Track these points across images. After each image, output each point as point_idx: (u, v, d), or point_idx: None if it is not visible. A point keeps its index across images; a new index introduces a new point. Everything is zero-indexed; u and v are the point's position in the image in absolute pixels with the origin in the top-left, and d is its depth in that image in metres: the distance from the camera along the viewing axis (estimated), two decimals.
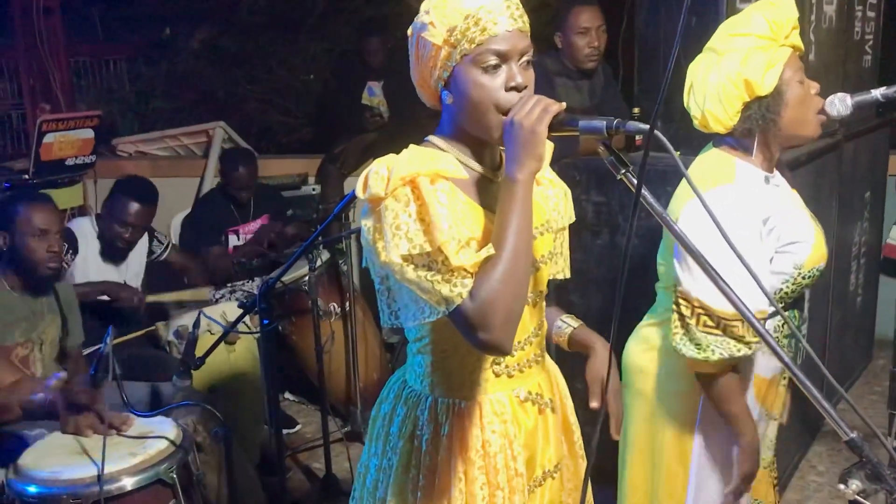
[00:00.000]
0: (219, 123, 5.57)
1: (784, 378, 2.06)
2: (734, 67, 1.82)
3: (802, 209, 1.99)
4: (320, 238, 3.00)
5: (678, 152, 1.21)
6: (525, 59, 1.39)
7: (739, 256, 1.25)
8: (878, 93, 1.89)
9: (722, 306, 1.78)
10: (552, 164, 1.66)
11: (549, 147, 1.49)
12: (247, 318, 2.84)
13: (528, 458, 1.59)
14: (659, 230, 2.05)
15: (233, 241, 4.32)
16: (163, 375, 3.18)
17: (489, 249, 1.32)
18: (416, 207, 1.32)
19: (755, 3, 1.89)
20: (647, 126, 1.21)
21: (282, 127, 6.92)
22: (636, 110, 3.06)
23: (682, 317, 1.85)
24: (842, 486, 1.19)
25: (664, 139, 1.18)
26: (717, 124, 1.88)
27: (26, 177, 4.52)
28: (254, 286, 4.19)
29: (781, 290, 1.93)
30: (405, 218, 1.31)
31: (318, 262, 3.59)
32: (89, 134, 4.80)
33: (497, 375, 1.55)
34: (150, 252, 3.87)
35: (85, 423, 2.30)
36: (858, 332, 4.29)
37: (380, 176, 1.33)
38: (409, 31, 1.45)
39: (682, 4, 2.85)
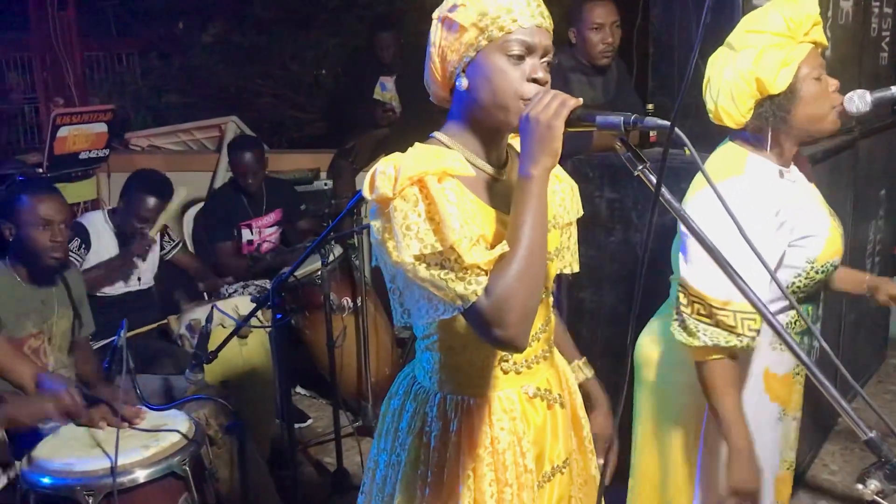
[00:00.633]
0: (231, 118, 5.58)
1: (799, 375, 2.05)
2: (747, 65, 1.82)
3: (819, 204, 1.98)
4: (332, 233, 3.00)
5: (691, 149, 1.20)
6: (547, 58, 1.40)
7: (751, 246, 1.25)
8: None
9: (713, 293, 1.80)
10: (565, 160, 1.66)
11: None
12: (259, 313, 2.85)
13: (538, 454, 1.59)
14: (671, 227, 2.04)
15: (246, 235, 4.33)
16: (175, 369, 3.20)
17: (504, 246, 1.32)
18: (426, 207, 1.31)
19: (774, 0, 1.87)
20: (666, 122, 1.20)
21: (294, 122, 6.93)
22: (650, 106, 3.05)
23: (680, 304, 1.87)
24: (860, 486, 1.18)
25: (683, 136, 1.17)
26: (729, 120, 1.89)
27: (40, 170, 4.55)
28: (267, 281, 4.21)
29: (793, 283, 1.92)
30: (415, 218, 1.30)
31: (331, 257, 3.60)
32: (103, 128, 4.82)
33: (505, 372, 1.55)
34: (161, 248, 3.89)
35: (98, 415, 2.31)
36: (872, 331, 4.26)
37: (387, 176, 1.32)
38: (435, 14, 1.45)
39: (696, 1, 2.84)
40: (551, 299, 1.65)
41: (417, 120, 4.92)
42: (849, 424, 1.18)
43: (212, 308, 2.79)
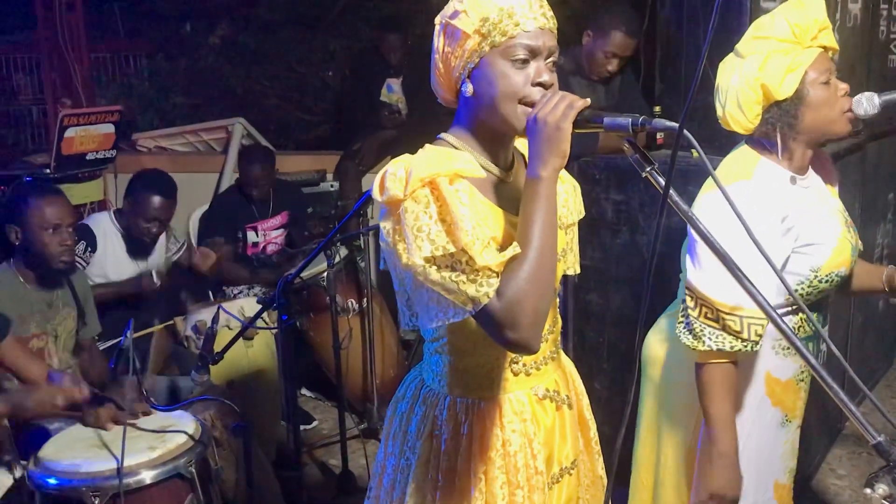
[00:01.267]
0: (238, 119, 5.59)
1: (802, 381, 2.04)
2: (753, 72, 1.82)
3: (833, 213, 1.96)
4: (338, 235, 3.00)
5: (699, 152, 1.20)
6: (552, 59, 1.39)
7: (760, 248, 1.24)
8: None
9: (722, 298, 1.80)
10: (571, 163, 1.65)
11: None
12: (265, 314, 2.85)
13: (547, 456, 1.59)
14: (678, 229, 2.04)
15: (251, 237, 4.33)
16: (181, 370, 3.21)
17: (515, 248, 1.31)
18: (437, 208, 1.30)
19: (783, 4, 1.87)
20: (674, 124, 1.20)
21: (300, 123, 6.94)
22: (658, 109, 3.04)
23: (686, 307, 1.87)
24: (868, 491, 1.17)
25: (691, 137, 1.17)
26: (737, 126, 1.89)
27: (47, 171, 4.55)
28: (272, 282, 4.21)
29: (797, 291, 1.91)
30: (426, 219, 1.30)
31: (337, 259, 3.59)
32: (110, 129, 4.83)
33: (515, 374, 1.55)
34: (167, 249, 3.89)
35: (106, 415, 2.31)
36: (880, 335, 4.24)
37: (397, 177, 1.32)
38: (437, 20, 1.44)
39: (704, 2, 2.84)
40: (557, 301, 1.65)
41: (424, 122, 4.93)
42: (856, 428, 1.17)
43: (217, 309, 2.79)
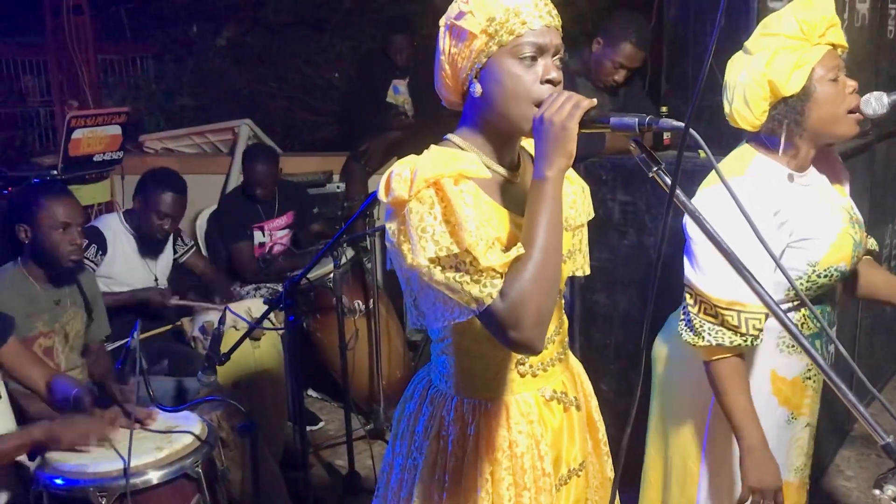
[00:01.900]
0: (244, 121, 5.60)
1: (810, 380, 2.03)
2: (760, 68, 1.83)
3: (835, 209, 1.96)
4: (345, 235, 3.00)
5: (706, 151, 1.20)
6: (558, 57, 1.39)
7: (762, 241, 1.24)
8: None
9: (719, 294, 1.81)
10: (578, 163, 1.65)
11: None
12: (271, 315, 2.85)
13: (555, 457, 1.59)
14: (680, 230, 2.04)
15: (258, 237, 4.34)
16: (187, 371, 3.21)
17: (519, 249, 1.31)
18: (441, 209, 1.30)
19: (792, 2, 1.87)
20: (681, 123, 1.20)
21: (307, 125, 6.95)
22: (664, 109, 3.04)
23: (686, 304, 1.89)
24: (877, 492, 1.17)
25: (698, 137, 1.16)
26: (744, 122, 1.90)
27: (55, 172, 4.57)
28: (279, 283, 4.22)
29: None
30: (430, 220, 1.30)
31: (343, 260, 3.60)
32: (117, 130, 4.85)
33: (522, 375, 1.55)
34: (174, 251, 3.90)
35: (110, 417, 2.32)
36: (889, 335, 4.22)
37: (402, 178, 1.32)
38: (442, 21, 1.44)
39: (711, 2, 2.83)
40: (563, 301, 1.64)
41: (430, 122, 4.93)
42: (865, 429, 1.17)
43: (224, 310, 2.79)
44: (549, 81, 1.37)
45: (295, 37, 6.91)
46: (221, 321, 2.69)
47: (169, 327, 3.62)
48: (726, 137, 2.14)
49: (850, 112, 1.85)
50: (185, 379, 3.11)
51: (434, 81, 1.50)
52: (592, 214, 1.70)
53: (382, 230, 3.75)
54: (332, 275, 3.51)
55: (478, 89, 1.40)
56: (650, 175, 1.29)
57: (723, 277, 1.80)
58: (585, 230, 1.71)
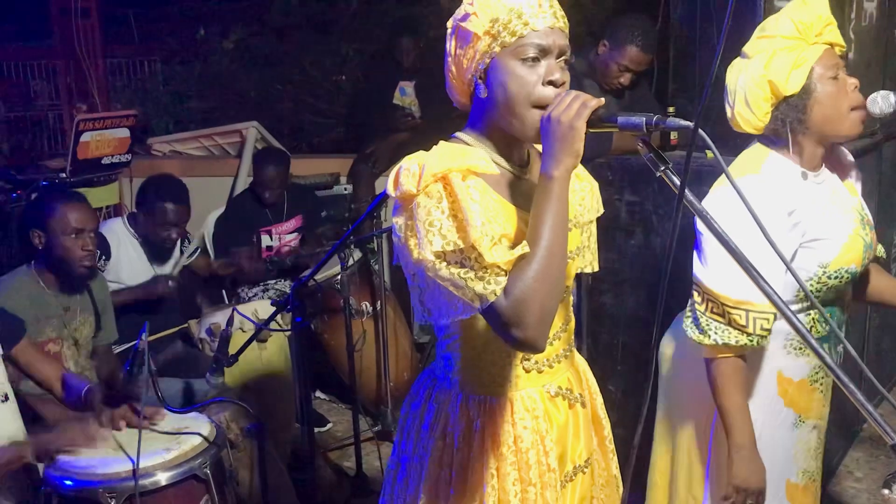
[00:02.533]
0: (252, 123, 5.61)
1: (817, 382, 2.02)
2: (759, 69, 1.84)
3: (847, 210, 1.96)
4: (352, 237, 3.01)
5: (713, 151, 1.20)
6: (563, 58, 1.39)
7: (771, 243, 1.24)
8: None
9: (728, 293, 1.81)
10: (585, 163, 1.65)
11: None
12: (279, 316, 2.86)
13: (560, 454, 1.59)
14: (691, 230, 2.04)
15: (265, 241, 4.35)
16: (195, 372, 3.22)
17: (524, 247, 1.31)
18: (449, 204, 1.31)
19: (787, 4, 1.88)
20: (689, 123, 1.20)
21: (314, 127, 6.95)
22: (671, 109, 3.03)
23: (693, 302, 1.89)
24: (886, 492, 1.17)
25: (706, 136, 1.16)
26: (747, 125, 1.90)
27: (64, 175, 4.59)
28: (286, 285, 4.23)
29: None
30: (438, 214, 1.31)
31: (350, 261, 3.60)
32: (125, 133, 4.87)
33: (527, 371, 1.55)
34: (180, 252, 3.90)
35: (119, 415, 2.33)
36: None
37: (411, 173, 1.33)
38: (449, 23, 1.45)
39: (718, 3, 2.83)
40: (571, 299, 1.64)
41: (437, 124, 4.92)
42: (874, 431, 1.16)
43: (232, 312, 2.80)
44: (551, 83, 1.37)
45: (302, 39, 6.91)
46: (229, 323, 2.70)
47: (176, 329, 3.63)
48: (734, 137, 2.13)
49: (854, 110, 1.85)
50: (194, 380, 3.12)
51: (443, 83, 1.51)
52: (602, 211, 1.70)
53: (389, 231, 3.75)
54: (339, 276, 3.52)
55: (483, 90, 1.41)
56: (658, 175, 1.28)
57: (732, 275, 1.80)
58: (594, 227, 1.71)
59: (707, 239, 1.85)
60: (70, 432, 2.26)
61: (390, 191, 1.35)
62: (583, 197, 1.64)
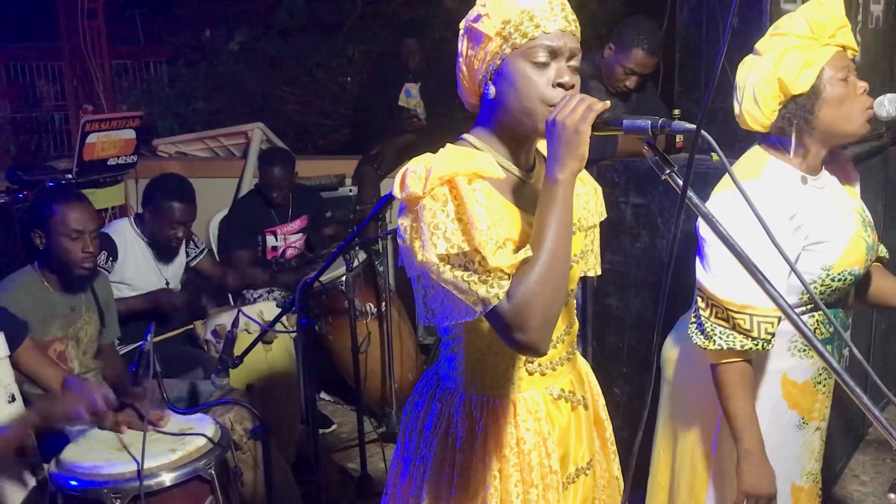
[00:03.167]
0: (257, 125, 5.62)
1: (821, 384, 2.02)
2: (769, 67, 1.84)
3: (847, 212, 1.96)
4: (357, 238, 3.01)
5: (718, 154, 1.20)
6: (574, 61, 1.40)
7: (776, 245, 1.24)
8: None
9: (731, 297, 1.81)
10: (590, 166, 1.66)
11: None
12: (284, 318, 2.86)
13: (562, 456, 1.59)
14: (692, 232, 2.04)
15: (270, 241, 4.35)
16: (200, 373, 3.22)
17: (527, 251, 1.31)
18: (454, 207, 1.31)
19: (803, 4, 1.87)
20: (693, 126, 1.20)
21: (319, 128, 6.96)
22: (676, 111, 3.03)
23: (698, 308, 1.89)
24: (892, 496, 1.16)
25: (711, 139, 1.16)
26: (753, 122, 1.90)
27: (70, 176, 4.60)
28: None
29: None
30: (443, 217, 1.31)
31: (355, 263, 3.60)
32: (131, 134, 4.88)
33: (530, 374, 1.56)
34: (186, 254, 3.91)
35: (122, 419, 2.33)
36: None
37: (417, 175, 1.33)
38: (461, 24, 1.46)
39: (724, 4, 2.82)
40: (574, 302, 1.64)
41: (442, 126, 4.93)
42: (880, 434, 1.16)
43: (237, 313, 2.80)
44: (560, 85, 1.37)
45: (307, 41, 6.93)
46: (234, 324, 2.70)
47: (182, 330, 3.64)
48: (739, 140, 2.13)
49: (862, 112, 1.85)
50: (199, 381, 3.12)
51: (447, 83, 1.52)
52: (605, 215, 1.71)
53: (394, 233, 3.76)
54: (344, 278, 3.52)
55: (492, 91, 1.41)
56: (663, 177, 1.29)
57: (735, 280, 1.79)
58: (598, 231, 1.72)
59: (710, 244, 1.85)
60: (72, 398, 2.26)
61: (396, 192, 1.36)
62: (587, 201, 1.64)
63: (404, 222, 1.35)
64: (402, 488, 1.63)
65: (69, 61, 5.86)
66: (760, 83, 1.85)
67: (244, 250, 4.28)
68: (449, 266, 1.31)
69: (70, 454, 2.24)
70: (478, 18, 1.41)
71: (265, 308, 3.51)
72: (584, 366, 1.73)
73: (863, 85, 1.85)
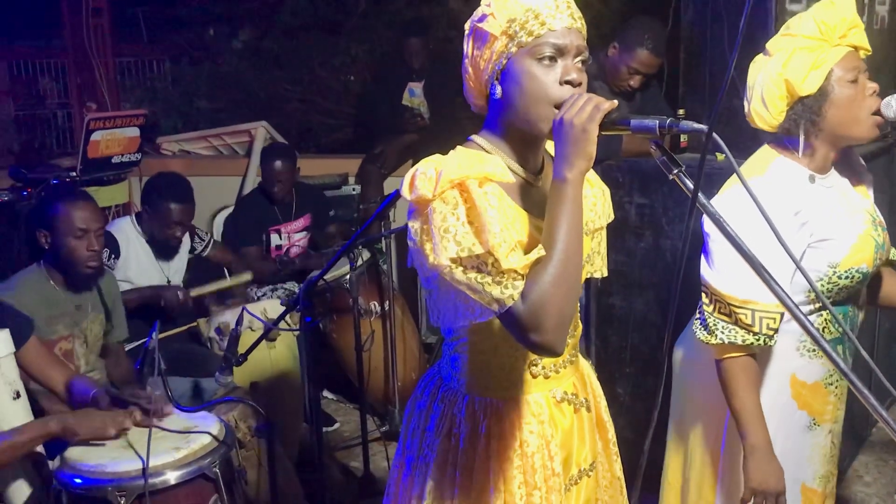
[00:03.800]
0: (261, 123, 5.62)
1: (832, 385, 2.02)
2: (777, 68, 1.84)
3: (856, 211, 1.96)
4: (361, 237, 3.01)
5: (726, 154, 1.20)
6: (580, 59, 1.39)
7: (782, 243, 1.24)
8: None
9: (733, 292, 1.82)
10: (595, 166, 1.65)
11: None
12: (287, 316, 2.86)
13: (565, 458, 1.59)
14: (699, 233, 2.04)
15: (275, 240, 4.36)
16: (204, 371, 3.23)
17: (539, 251, 1.31)
18: (465, 210, 1.31)
19: (815, 4, 1.87)
20: (702, 126, 1.20)
21: (323, 127, 6.96)
22: (681, 112, 3.03)
23: (702, 303, 1.90)
24: None
25: (719, 139, 1.16)
26: (762, 122, 1.91)
27: (74, 174, 4.61)
28: (295, 284, 4.24)
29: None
30: (453, 220, 1.30)
31: (359, 262, 3.60)
32: (135, 132, 4.89)
33: (534, 376, 1.55)
34: (192, 249, 3.91)
35: (129, 415, 2.33)
36: None
37: (427, 177, 1.32)
38: (467, 25, 1.45)
39: (729, 4, 2.82)
40: (578, 304, 1.64)
41: (445, 125, 4.94)
42: (883, 435, 1.16)
43: (241, 311, 2.80)
44: (568, 83, 1.36)
45: (311, 40, 6.93)
46: (238, 322, 2.70)
47: (185, 328, 3.64)
48: (744, 139, 2.13)
49: (871, 115, 1.85)
50: (203, 379, 3.13)
51: (450, 83, 1.51)
52: (612, 217, 1.70)
53: (398, 232, 3.78)
54: (348, 276, 3.52)
55: (498, 91, 1.40)
56: (671, 177, 1.28)
57: (737, 275, 1.80)
58: (604, 233, 1.71)
59: (714, 240, 1.86)
60: (100, 418, 2.26)
61: (405, 194, 1.35)
62: (594, 203, 1.63)
63: (414, 225, 1.35)
64: (404, 488, 1.63)
65: (73, 59, 5.88)
66: (768, 84, 1.85)
67: (252, 246, 4.28)
68: (462, 268, 1.30)
69: (75, 452, 2.24)
70: (483, 18, 1.40)
71: (269, 306, 3.52)
72: (586, 368, 1.73)
73: (872, 86, 1.85)
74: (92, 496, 2.12)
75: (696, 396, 2.12)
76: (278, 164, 4.25)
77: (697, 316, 1.92)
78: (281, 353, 3.50)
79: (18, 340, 2.44)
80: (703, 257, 1.91)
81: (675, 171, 1.28)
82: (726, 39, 2.85)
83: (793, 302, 1.24)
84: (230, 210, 4.73)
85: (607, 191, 1.69)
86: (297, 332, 3.44)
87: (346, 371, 4.04)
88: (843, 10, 1.83)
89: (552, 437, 1.55)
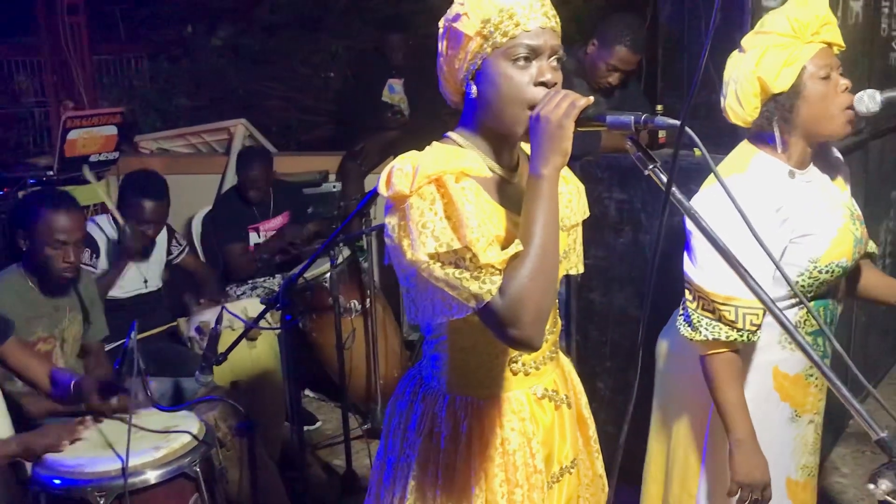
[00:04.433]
0: (240, 121, 5.60)
1: (813, 377, 2.04)
2: (750, 65, 1.86)
3: (835, 205, 1.98)
4: (341, 235, 3.00)
5: (701, 149, 1.21)
6: (555, 58, 1.39)
7: (759, 241, 1.26)
8: None
9: (716, 289, 1.84)
10: (573, 162, 1.66)
11: None
12: (268, 315, 2.86)
13: (547, 455, 1.60)
14: (681, 228, 2.05)
15: (253, 238, 4.34)
16: (184, 371, 3.21)
17: (517, 246, 1.31)
18: (443, 205, 1.31)
19: (789, 1, 1.89)
20: (677, 121, 1.21)
21: (303, 124, 6.93)
22: (660, 107, 3.05)
23: (685, 300, 1.92)
24: (871, 487, 1.17)
25: (694, 135, 1.17)
26: (737, 119, 1.93)
27: (51, 173, 4.56)
28: (275, 283, 4.22)
29: (797, 283, 1.93)
30: (431, 216, 1.30)
31: (339, 259, 3.60)
32: (113, 131, 4.84)
33: (514, 373, 1.56)
34: (168, 252, 3.89)
35: (78, 425, 2.32)
36: (884, 332, 4.24)
37: (404, 173, 1.32)
38: (441, 23, 1.44)
39: (706, 1, 2.84)
40: (557, 300, 1.65)
41: (426, 122, 4.93)
42: (860, 427, 1.18)
43: (221, 310, 2.79)
44: (542, 83, 1.37)
45: (290, 36, 6.89)
46: (218, 321, 2.69)
47: (165, 327, 3.62)
48: (722, 135, 2.15)
49: (842, 111, 1.86)
50: (183, 379, 3.11)
51: (433, 80, 1.51)
52: (588, 214, 1.71)
53: (379, 229, 3.78)
54: (328, 274, 3.52)
55: (474, 90, 1.40)
56: (646, 173, 1.29)
57: (720, 272, 1.81)
58: (580, 230, 1.72)
59: (696, 237, 1.87)
60: (54, 431, 2.26)
61: (382, 190, 1.35)
62: (570, 199, 1.64)
63: (391, 221, 1.35)
64: (385, 488, 1.62)
65: (49, 57, 5.81)
66: (742, 81, 1.87)
67: (236, 243, 4.27)
68: (439, 264, 1.30)
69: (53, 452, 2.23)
70: (457, 18, 1.39)
71: (249, 305, 3.51)
72: (566, 364, 1.73)
73: (845, 83, 1.87)
74: (71, 497, 2.11)
75: (680, 389, 2.13)
76: (253, 171, 4.27)
77: (681, 312, 1.94)
78: (262, 352, 3.49)
79: None
80: (685, 254, 1.92)
81: (651, 167, 1.28)
82: (704, 35, 2.87)
83: (768, 296, 1.26)
84: (206, 211, 4.70)
85: (582, 187, 1.69)
86: (277, 331, 3.42)
87: (327, 369, 4.03)
88: (816, 6, 1.84)
89: (533, 434, 1.56)
